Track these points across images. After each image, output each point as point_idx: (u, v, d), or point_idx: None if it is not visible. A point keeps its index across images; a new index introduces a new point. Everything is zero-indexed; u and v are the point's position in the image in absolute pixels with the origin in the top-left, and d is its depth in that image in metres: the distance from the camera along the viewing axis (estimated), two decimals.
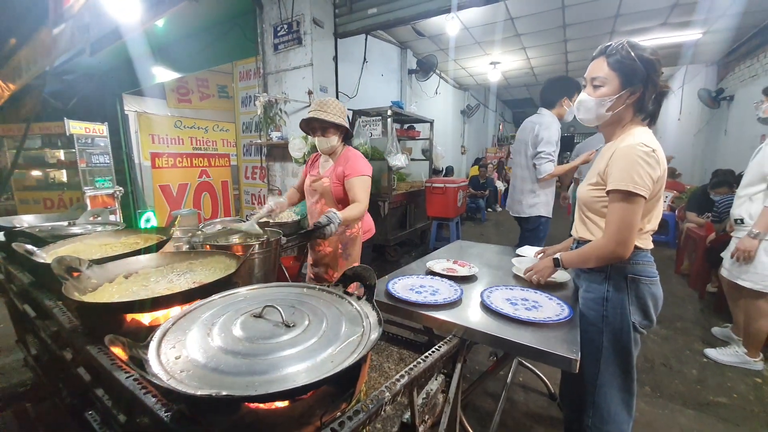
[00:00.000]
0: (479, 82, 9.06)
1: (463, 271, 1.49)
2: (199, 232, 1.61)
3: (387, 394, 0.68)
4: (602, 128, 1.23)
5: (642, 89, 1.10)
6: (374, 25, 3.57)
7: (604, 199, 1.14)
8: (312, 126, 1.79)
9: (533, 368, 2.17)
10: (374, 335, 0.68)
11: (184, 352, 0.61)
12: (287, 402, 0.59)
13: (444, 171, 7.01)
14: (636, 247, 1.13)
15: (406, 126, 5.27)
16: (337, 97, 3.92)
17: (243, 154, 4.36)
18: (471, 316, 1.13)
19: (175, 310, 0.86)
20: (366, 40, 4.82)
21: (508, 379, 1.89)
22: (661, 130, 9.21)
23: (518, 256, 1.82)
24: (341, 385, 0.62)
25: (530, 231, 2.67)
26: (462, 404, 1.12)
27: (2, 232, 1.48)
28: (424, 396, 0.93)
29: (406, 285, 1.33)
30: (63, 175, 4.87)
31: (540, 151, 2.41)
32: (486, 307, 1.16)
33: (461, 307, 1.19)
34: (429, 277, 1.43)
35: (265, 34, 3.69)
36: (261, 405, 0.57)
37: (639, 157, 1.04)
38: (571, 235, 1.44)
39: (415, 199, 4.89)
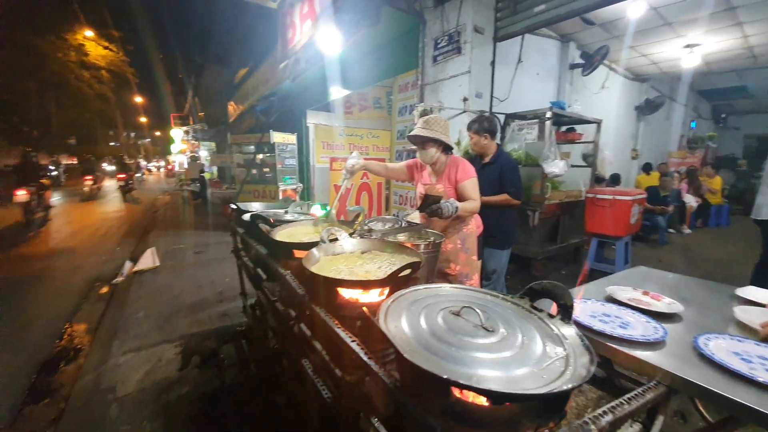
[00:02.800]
0: (665, 70, 7.30)
1: (659, 306, 1.24)
2: (366, 227, 1.85)
3: (593, 427, 0.64)
4: None
5: None
6: (540, 22, 3.34)
7: None
8: (416, 140, 2.05)
9: None
10: (583, 366, 0.65)
11: (403, 330, 0.72)
12: (491, 402, 0.63)
13: (609, 179, 5.96)
14: None
15: (564, 128, 4.73)
16: (491, 102, 3.84)
17: (395, 158, 4.77)
18: (679, 363, 0.94)
19: (369, 292, 1.03)
20: (522, 38, 4.55)
21: None
22: None
23: (740, 298, 1.40)
24: (549, 404, 0.62)
25: None
26: None
27: (248, 214, 2.06)
28: None
29: (585, 310, 1.20)
30: (263, 173, 6.43)
31: None
32: (704, 358, 0.94)
33: (666, 350, 1.00)
34: (614, 306, 1.25)
35: (425, 48, 3.94)
36: (471, 398, 0.63)
37: None
38: None
39: (570, 210, 4.32)
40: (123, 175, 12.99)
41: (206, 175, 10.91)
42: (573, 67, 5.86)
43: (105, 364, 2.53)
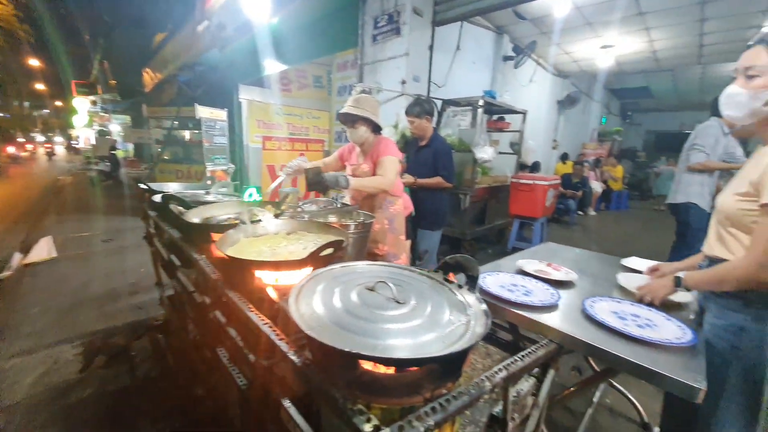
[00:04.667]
0: (584, 68, 8.11)
1: (558, 275, 1.39)
2: (300, 209, 1.79)
3: (487, 384, 0.69)
4: (759, 127, 1.04)
5: None
6: (477, 10, 3.45)
7: (754, 213, 0.96)
8: (345, 118, 2.03)
9: (625, 392, 1.95)
10: (480, 327, 0.70)
11: (314, 309, 0.71)
12: (396, 370, 0.64)
13: (531, 166, 6.53)
14: None
15: (495, 117, 5.02)
16: (429, 86, 3.91)
17: (335, 140, 4.65)
18: (570, 323, 1.07)
19: (290, 273, 0.99)
20: (461, 27, 4.67)
21: (595, 399, 1.73)
22: None
23: (624, 267, 1.64)
24: (448, 366, 0.65)
25: (682, 223, 3.10)
26: None
27: (160, 195, 1.85)
28: (515, 394, 0.92)
29: (497, 281, 1.30)
30: (189, 152, 5.83)
31: (695, 143, 2.87)
32: (588, 317, 1.08)
33: (558, 313, 1.13)
34: (520, 276, 1.37)
35: (365, 26, 3.84)
36: (376, 368, 0.63)
37: None
38: (698, 251, 1.24)
39: (497, 194, 4.66)
40: None
41: (119, 153, 9.58)
42: (506, 59, 6.20)
43: None
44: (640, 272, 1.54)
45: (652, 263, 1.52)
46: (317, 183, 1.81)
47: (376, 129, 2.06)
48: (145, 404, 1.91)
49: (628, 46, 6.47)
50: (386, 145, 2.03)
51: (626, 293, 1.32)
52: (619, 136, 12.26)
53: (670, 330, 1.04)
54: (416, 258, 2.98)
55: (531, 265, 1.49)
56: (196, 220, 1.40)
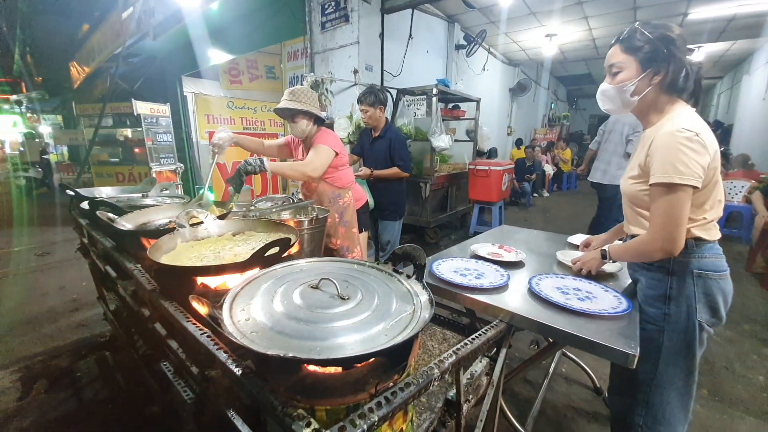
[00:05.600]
0: (531, 57, 8.45)
1: (509, 257, 1.45)
2: (253, 207, 1.71)
3: (436, 371, 0.70)
4: (637, 115, 1.16)
5: (666, 67, 1.03)
6: None
7: (647, 192, 1.06)
8: (284, 113, 1.93)
9: (578, 360, 2.09)
10: (426, 314, 0.70)
11: (252, 315, 0.67)
12: (342, 368, 0.63)
13: (488, 153, 6.75)
14: (700, 239, 1.05)
15: (450, 105, 5.10)
16: (382, 76, 3.87)
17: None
18: (518, 302, 1.11)
19: (237, 276, 0.93)
20: (412, 15, 4.65)
21: (551, 369, 1.85)
22: (741, 110, 8.08)
23: (570, 244, 1.74)
24: (394, 357, 0.64)
25: (608, 199, 3.38)
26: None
27: (87, 202, 1.67)
28: (469, 377, 0.94)
29: (450, 267, 1.32)
30: (132, 152, 5.37)
31: (638, 131, 2.96)
32: (535, 295, 1.13)
33: (508, 293, 1.17)
34: (474, 260, 1.41)
35: (312, 13, 3.70)
36: (321, 369, 0.61)
37: (681, 144, 0.95)
38: (619, 221, 1.36)
39: (457, 181, 4.77)
40: None
41: (52, 157, 8.63)
42: (458, 48, 6.28)
43: None
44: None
45: (586, 238, 1.63)
46: (238, 173, 1.67)
47: (318, 121, 1.98)
48: (96, 428, 1.76)
49: (570, 34, 6.81)
50: (323, 135, 1.95)
51: (568, 269, 1.40)
52: (567, 121, 13.00)
53: (608, 300, 1.11)
54: (380, 249, 2.98)
55: (484, 249, 1.54)
56: (128, 226, 1.28)
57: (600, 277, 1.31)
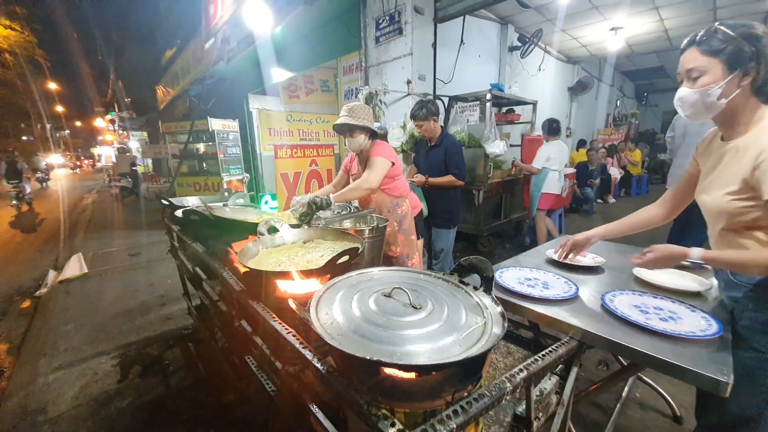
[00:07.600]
0: (593, 52, 7.90)
1: (585, 261, 1.39)
2: (316, 215, 1.83)
3: (508, 384, 0.70)
4: (720, 122, 1.05)
5: (756, 68, 0.92)
6: (478, 4, 3.42)
7: (757, 208, 0.94)
8: (342, 129, 2.02)
9: (655, 385, 1.91)
10: (497, 329, 0.71)
11: (335, 318, 0.73)
12: (416, 374, 0.66)
13: None
14: None
15: (505, 109, 4.95)
16: (434, 84, 3.90)
17: (345, 144, 4.69)
18: (589, 318, 1.06)
19: (312, 281, 1.02)
20: (464, 20, 4.63)
21: (624, 392, 1.71)
22: None
23: None
24: (469, 369, 0.67)
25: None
26: None
27: (180, 210, 1.92)
28: (538, 393, 0.92)
29: (514, 276, 1.30)
30: (206, 164, 6.00)
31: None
32: (609, 312, 1.07)
33: (577, 307, 1.12)
34: (540, 270, 1.37)
35: (367, 28, 3.86)
36: (398, 373, 0.66)
37: None
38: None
39: (511, 188, 4.60)
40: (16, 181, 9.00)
41: (139, 169, 9.94)
42: (512, 49, 6.10)
43: (32, 384, 2.27)
44: None
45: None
46: (305, 215, 1.72)
47: (373, 135, 2.08)
48: (181, 412, 1.99)
49: (638, 26, 6.27)
50: (378, 147, 2.03)
51: (645, 285, 1.30)
52: (636, 119, 11.86)
53: (696, 322, 1.02)
54: (433, 257, 2.98)
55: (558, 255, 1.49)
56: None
57: (684, 296, 1.19)
